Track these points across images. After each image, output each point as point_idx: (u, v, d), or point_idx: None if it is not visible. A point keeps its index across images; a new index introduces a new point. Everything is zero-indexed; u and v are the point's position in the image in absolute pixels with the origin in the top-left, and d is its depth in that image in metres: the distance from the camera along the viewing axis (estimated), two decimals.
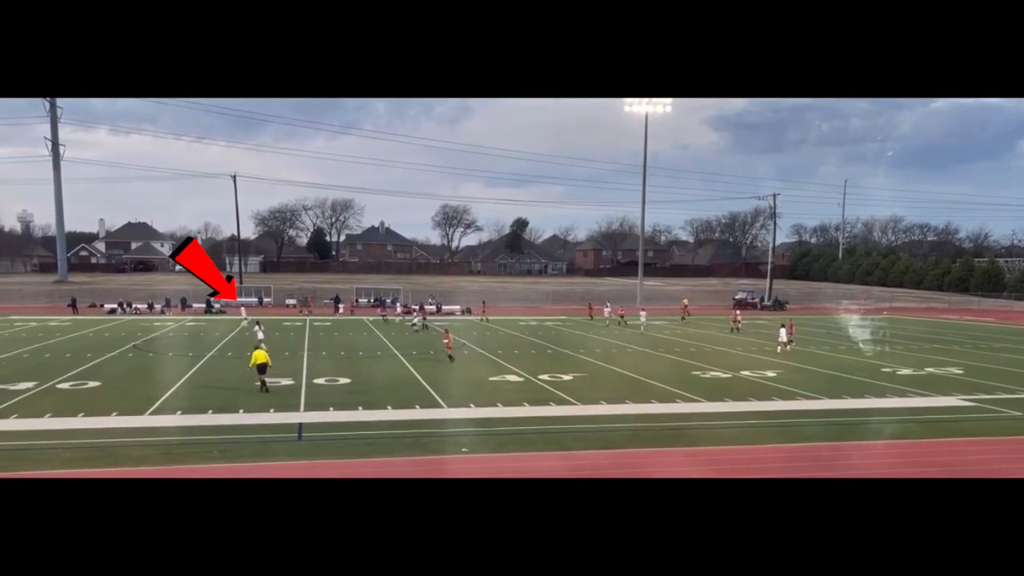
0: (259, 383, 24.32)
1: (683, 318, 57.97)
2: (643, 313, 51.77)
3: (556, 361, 33.30)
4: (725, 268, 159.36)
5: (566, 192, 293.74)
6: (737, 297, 76.63)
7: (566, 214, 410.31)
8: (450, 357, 32.37)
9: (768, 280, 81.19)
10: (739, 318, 50.28)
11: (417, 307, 56.13)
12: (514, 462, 16.74)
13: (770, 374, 29.83)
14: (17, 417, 20.30)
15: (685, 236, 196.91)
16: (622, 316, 54.35)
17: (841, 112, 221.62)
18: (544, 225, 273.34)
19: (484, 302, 61.90)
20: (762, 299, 75.77)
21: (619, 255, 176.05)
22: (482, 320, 55.62)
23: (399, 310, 60.28)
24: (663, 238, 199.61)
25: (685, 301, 62.83)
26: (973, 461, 17.21)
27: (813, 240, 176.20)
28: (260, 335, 33.70)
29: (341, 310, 58.83)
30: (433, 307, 62.91)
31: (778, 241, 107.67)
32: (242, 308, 57.65)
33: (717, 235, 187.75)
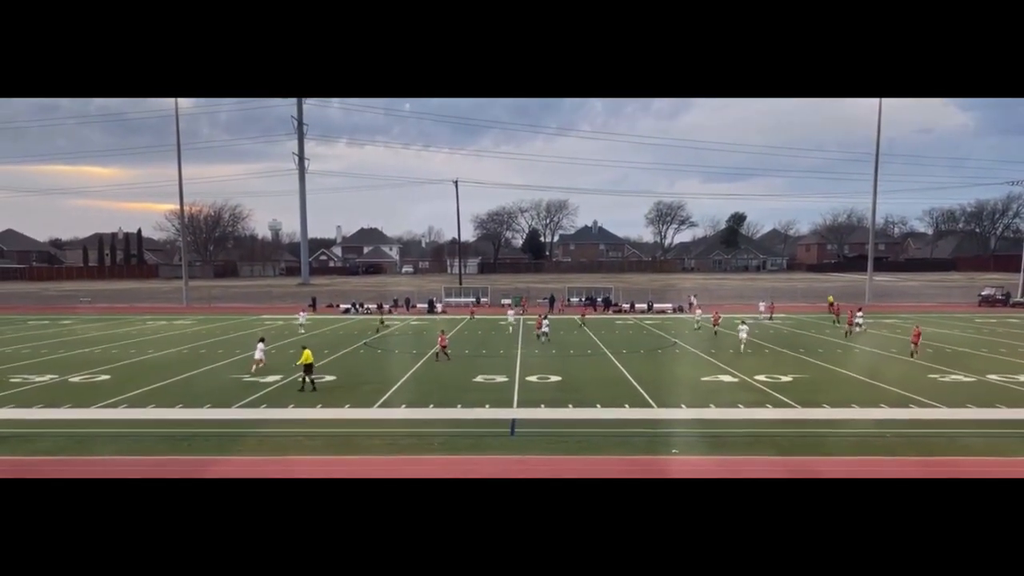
0: (301, 379, 25.41)
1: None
2: (766, 312, 42.36)
3: (774, 361, 31.83)
4: (970, 261, 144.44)
5: (788, 184, 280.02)
6: (983, 293, 68.78)
7: (787, 207, 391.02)
8: (438, 356, 32.69)
9: (1022, 274, 71.90)
10: (854, 319, 42.85)
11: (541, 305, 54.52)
12: (726, 465, 16.23)
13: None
14: (266, 407, 22.66)
15: (923, 228, 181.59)
16: (716, 324, 44.57)
17: None
18: (763, 219, 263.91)
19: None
20: (1009, 295, 66.93)
21: (845, 249, 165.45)
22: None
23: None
24: (896, 230, 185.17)
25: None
26: None
27: None
28: (259, 354, 30.12)
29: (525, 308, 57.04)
30: (645, 305, 62.31)
31: None
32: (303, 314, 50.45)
33: (961, 225, 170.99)
